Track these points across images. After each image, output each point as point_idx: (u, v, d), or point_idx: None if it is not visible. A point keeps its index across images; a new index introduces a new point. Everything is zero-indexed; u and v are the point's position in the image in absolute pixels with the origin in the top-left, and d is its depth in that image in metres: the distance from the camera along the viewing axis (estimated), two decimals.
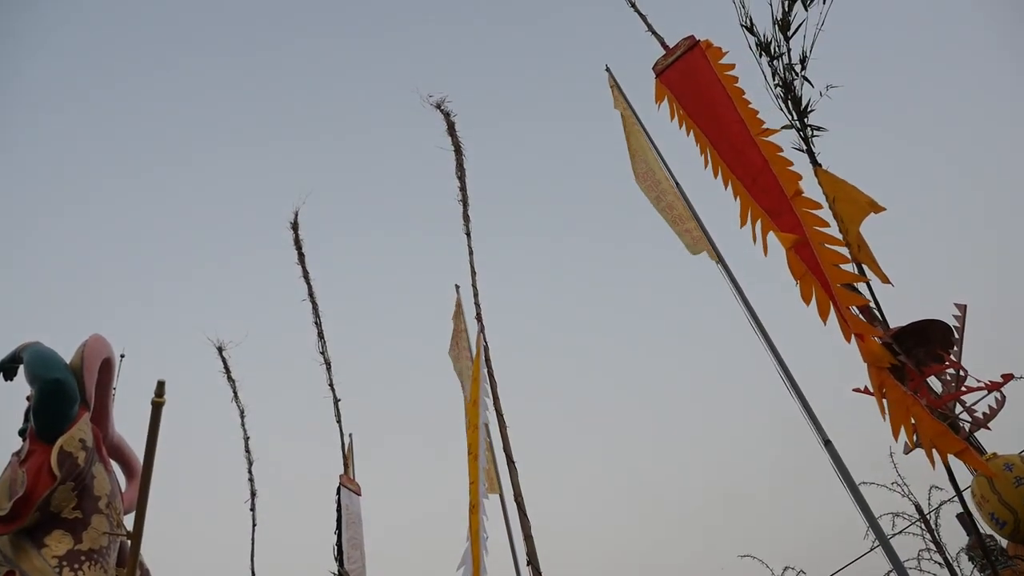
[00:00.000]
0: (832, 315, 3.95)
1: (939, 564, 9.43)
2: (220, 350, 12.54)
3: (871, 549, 9.60)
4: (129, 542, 4.69)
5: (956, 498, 4.71)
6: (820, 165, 4.46)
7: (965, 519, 8.28)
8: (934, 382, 4.21)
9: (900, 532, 9.79)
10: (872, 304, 4.02)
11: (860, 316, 3.84)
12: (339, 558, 7.89)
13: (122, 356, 5.32)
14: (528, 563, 5.83)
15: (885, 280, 3.93)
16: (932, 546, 9.53)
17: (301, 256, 12.26)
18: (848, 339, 3.74)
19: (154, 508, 4.66)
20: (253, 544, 13.77)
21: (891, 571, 9.12)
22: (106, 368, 4.96)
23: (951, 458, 3.50)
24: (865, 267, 4.01)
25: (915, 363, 3.86)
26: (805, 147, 4.56)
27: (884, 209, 3.97)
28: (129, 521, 4.83)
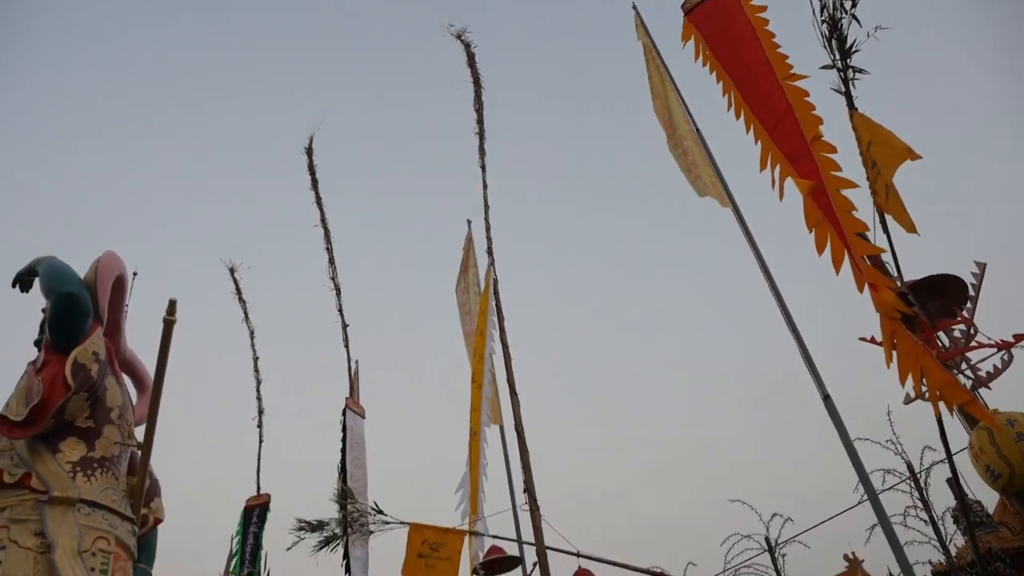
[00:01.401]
0: (846, 264, 3.92)
1: (924, 521, 9.61)
2: (232, 271, 12.62)
3: (859, 503, 9.79)
4: (139, 452, 4.83)
5: (947, 460, 4.77)
6: (857, 109, 4.34)
7: (954, 484, 8.40)
8: (945, 340, 4.21)
9: (890, 488, 9.96)
10: (889, 254, 3.97)
11: (873, 266, 3.80)
12: (342, 475, 8.08)
13: (135, 274, 5.36)
14: (524, 490, 5.97)
15: (911, 229, 3.84)
16: (919, 504, 9.70)
17: (314, 182, 12.23)
18: (861, 289, 3.71)
19: (164, 422, 4.79)
20: (259, 459, 14.16)
21: (876, 524, 9.33)
22: (119, 285, 5.01)
23: (946, 421, 3.51)
24: (890, 216, 3.93)
25: (927, 316, 3.84)
26: (844, 89, 4.41)
27: (920, 157, 3.86)
28: (139, 433, 4.97)
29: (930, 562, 10.34)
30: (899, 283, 3.85)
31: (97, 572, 4.16)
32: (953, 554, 9.49)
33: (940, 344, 4.06)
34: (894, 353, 3.47)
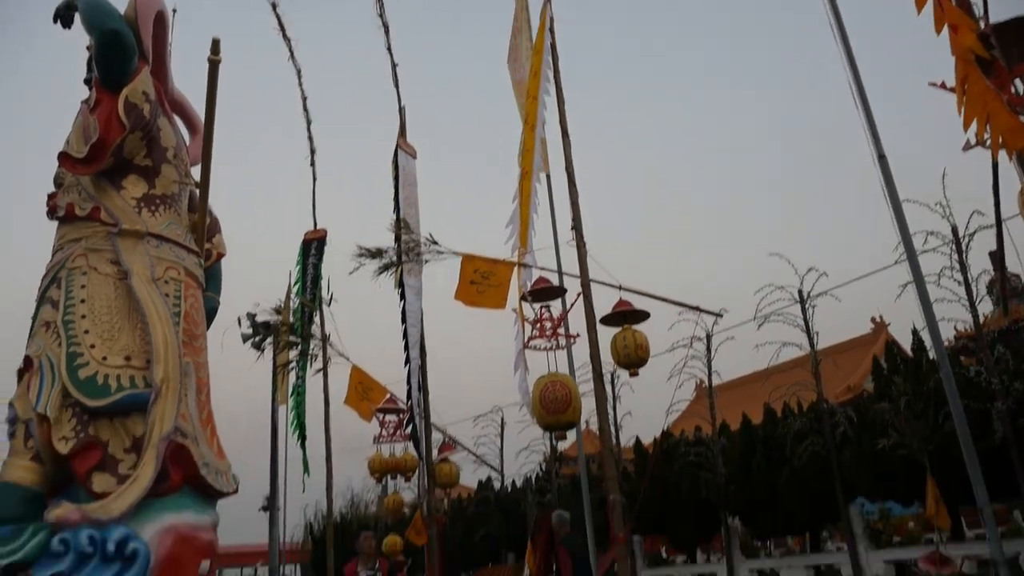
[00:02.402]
0: (929, 5, 3.60)
1: (957, 283, 9.70)
2: (274, 7, 12.11)
3: (896, 262, 9.88)
4: (197, 191, 5.02)
5: (995, 208, 4.68)
6: None
7: (996, 256, 8.33)
8: (1020, 86, 3.95)
9: (930, 250, 9.96)
10: None
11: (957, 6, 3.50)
12: (396, 212, 8.35)
13: (174, 11, 5.18)
14: (572, 227, 6.16)
15: None
16: (957, 266, 9.74)
17: None
18: (939, 30, 3.45)
19: (218, 162, 4.91)
20: (314, 197, 14.69)
21: (910, 283, 9.49)
22: (160, 22, 4.89)
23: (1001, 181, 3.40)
24: None
25: (1006, 60, 3.58)
26: None
27: None
28: (195, 173, 5.13)
29: (955, 328, 10.63)
30: (982, 25, 3.55)
31: (171, 298, 4.52)
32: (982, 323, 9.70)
33: (1014, 90, 3.83)
34: (964, 98, 3.31)
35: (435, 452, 11.44)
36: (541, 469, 19.55)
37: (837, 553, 12.28)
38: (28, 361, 4.38)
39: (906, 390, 10.00)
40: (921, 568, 9.37)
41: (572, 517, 15.37)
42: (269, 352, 13.78)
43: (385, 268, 7.17)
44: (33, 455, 4.64)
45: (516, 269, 6.80)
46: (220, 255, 5.43)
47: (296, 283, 14.15)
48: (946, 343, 9.73)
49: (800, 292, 12.06)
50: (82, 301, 4.22)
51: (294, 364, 13.89)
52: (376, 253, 7.06)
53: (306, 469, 13.74)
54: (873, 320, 30.01)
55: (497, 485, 21.05)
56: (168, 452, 4.07)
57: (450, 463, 13.26)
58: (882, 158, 10.04)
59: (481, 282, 6.57)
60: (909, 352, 11.05)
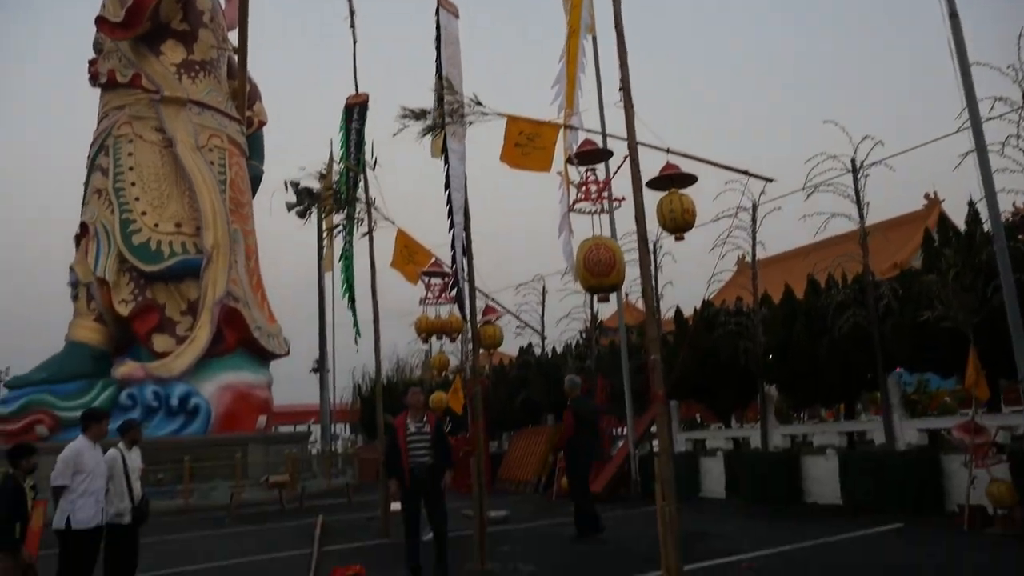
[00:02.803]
0: None
1: (1022, 151, 9.28)
2: None
3: (958, 130, 9.42)
4: (236, 57, 4.94)
5: None
6: None
7: None
8: None
9: (996, 117, 9.46)
10: None
11: None
12: (439, 72, 8.14)
13: None
14: (620, 88, 5.97)
15: None
16: None
17: None
18: None
19: (255, 27, 4.80)
20: (355, 60, 14.44)
21: (972, 151, 9.06)
22: None
23: None
24: None
25: None
26: None
27: None
28: (233, 37, 5.03)
29: (1013, 204, 10.26)
30: None
31: (215, 166, 4.56)
32: None
33: None
34: None
35: (479, 316, 11.73)
36: (581, 337, 19.97)
37: (870, 422, 12.50)
38: (84, 227, 4.51)
39: (956, 262, 9.81)
40: (955, 435, 9.51)
41: (611, 383, 15.84)
42: (314, 219, 13.96)
43: (429, 130, 7.08)
44: (96, 316, 4.88)
45: (562, 131, 6.67)
46: (261, 123, 5.44)
47: (340, 148, 14.16)
48: (1003, 216, 9.43)
49: (853, 161, 11.67)
50: (130, 169, 4.28)
51: (341, 228, 14.12)
52: (420, 114, 6.95)
53: (357, 331, 14.24)
54: (927, 196, 29.06)
55: (538, 351, 21.64)
56: (222, 315, 4.22)
57: (494, 325, 13.61)
58: (953, 16, 9.40)
59: (526, 144, 6.46)
60: (962, 228, 10.76)
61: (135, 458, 7.88)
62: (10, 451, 6.77)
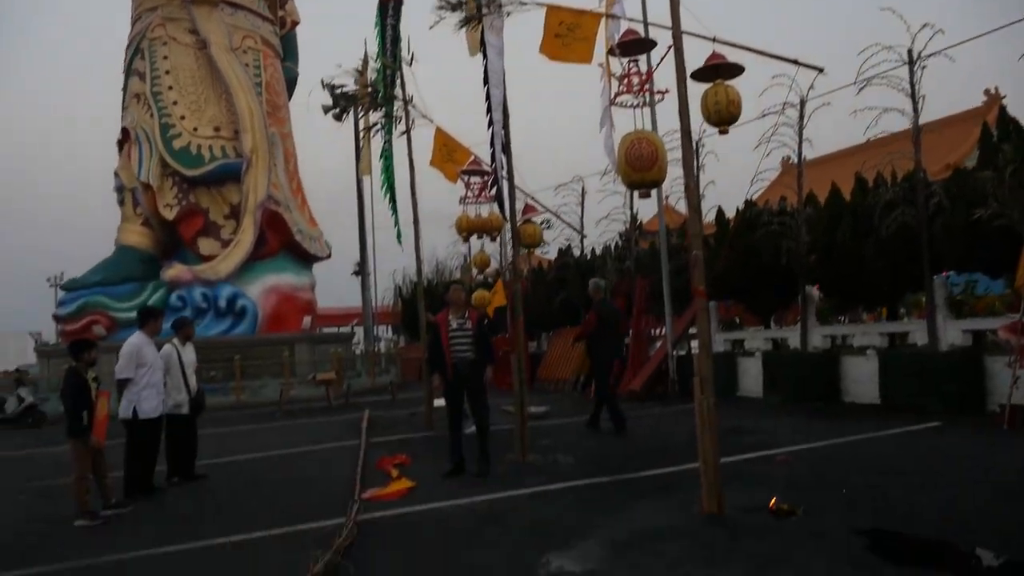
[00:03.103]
0: None
1: None
2: None
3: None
4: None
5: None
6: None
7: None
8: None
9: None
10: None
11: None
12: None
13: None
14: None
15: None
16: None
17: None
18: None
19: None
20: None
21: None
22: None
23: None
24: None
25: None
26: None
27: None
28: None
29: None
30: None
31: (251, 68, 4.52)
32: None
33: None
34: None
35: (519, 215, 11.72)
36: (620, 239, 19.84)
37: (913, 323, 12.36)
38: (125, 132, 4.55)
39: (1015, 158, 9.42)
40: (1000, 336, 9.39)
41: (652, 283, 15.84)
42: (351, 121, 13.79)
43: (467, 21, 6.89)
44: (143, 221, 4.99)
45: (604, 20, 6.44)
46: (294, 23, 5.34)
47: (376, 45, 13.86)
48: None
49: (910, 52, 11.07)
50: (167, 72, 4.28)
51: (379, 127, 13.98)
52: (456, 5, 6.74)
53: (398, 231, 14.28)
54: (986, 92, 27.51)
55: (577, 252, 21.62)
56: (264, 219, 4.28)
57: (533, 224, 13.58)
58: None
59: (567, 35, 6.25)
60: None
61: (189, 353, 8.25)
62: (71, 345, 7.15)
